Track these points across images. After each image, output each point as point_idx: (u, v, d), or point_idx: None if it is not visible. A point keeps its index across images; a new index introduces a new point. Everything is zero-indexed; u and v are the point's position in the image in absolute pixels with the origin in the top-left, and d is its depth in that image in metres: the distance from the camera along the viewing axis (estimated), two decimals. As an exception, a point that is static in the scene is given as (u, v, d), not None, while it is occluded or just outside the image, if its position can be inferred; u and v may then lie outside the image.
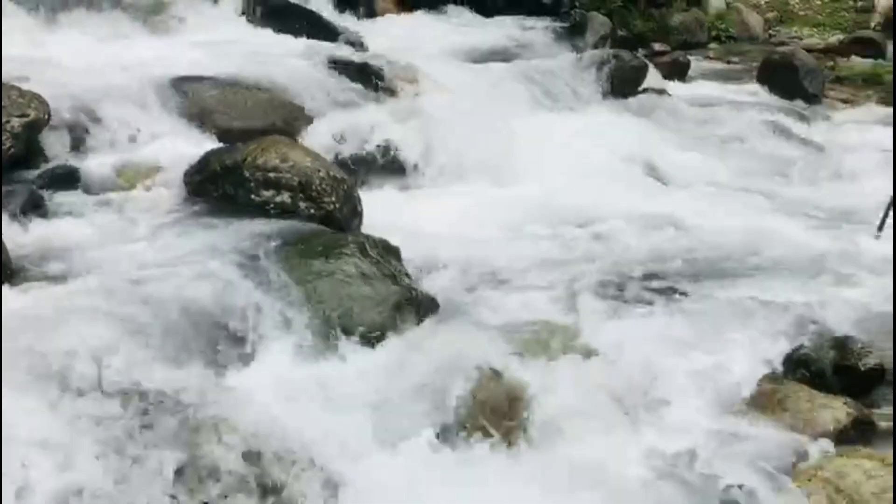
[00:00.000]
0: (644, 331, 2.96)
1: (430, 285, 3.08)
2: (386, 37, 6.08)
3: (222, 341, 2.37)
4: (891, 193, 3.94)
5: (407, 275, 2.95)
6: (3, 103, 3.21)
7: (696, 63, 7.37)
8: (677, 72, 6.73)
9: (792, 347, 2.77)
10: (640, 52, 6.94)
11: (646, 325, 3.01)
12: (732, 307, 3.15)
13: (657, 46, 7.43)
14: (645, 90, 6.02)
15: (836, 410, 2.38)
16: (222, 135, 3.76)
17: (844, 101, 6.49)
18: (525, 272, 3.31)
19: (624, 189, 4.19)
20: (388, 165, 4.05)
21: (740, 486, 2.06)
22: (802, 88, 6.46)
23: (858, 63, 7.58)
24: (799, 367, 2.66)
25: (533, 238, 3.65)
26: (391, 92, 4.43)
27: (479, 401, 2.27)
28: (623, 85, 5.94)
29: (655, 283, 3.29)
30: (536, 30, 6.89)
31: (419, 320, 2.75)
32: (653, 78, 6.28)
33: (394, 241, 3.06)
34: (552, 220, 3.75)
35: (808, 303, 3.23)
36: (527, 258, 3.44)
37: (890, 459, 2.27)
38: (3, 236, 2.64)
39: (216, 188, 3.24)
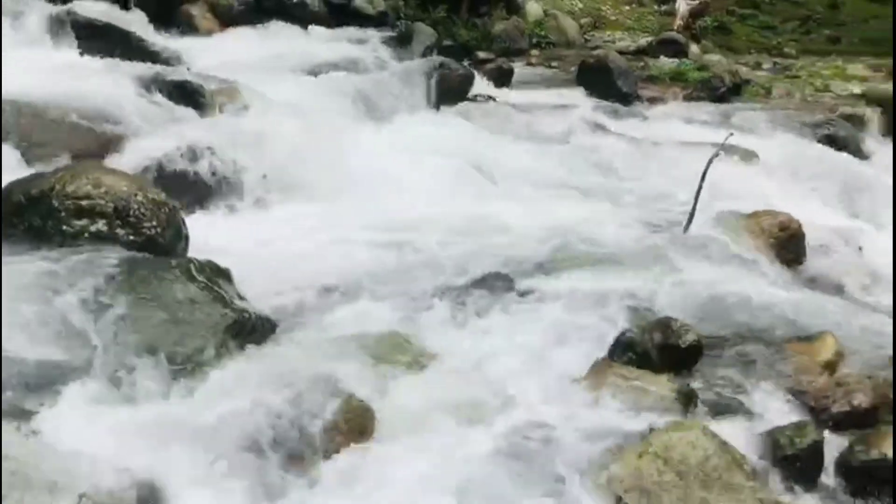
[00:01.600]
0: (482, 331, 3.01)
1: (266, 306, 2.99)
2: (208, 54, 5.91)
3: (33, 381, 2.19)
4: (700, 181, 4.25)
5: (239, 296, 2.85)
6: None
7: (520, 69, 7.66)
8: (502, 78, 6.95)
9: (619, 332, 2.90)
10: (466, 61, 7.13)
11: (483, 325, 3.06)
12: (564, 300, 3.26)
13: (481, 55, 7.65)
14: (473, 98, 6.20)
15: (660, 387, 2.52)
16: (27, 162, 3.49)
17: (655, 99, 6.94)
18: (362, 285, 3.29)
19: (456, 195, 4.27)
20: (216, 185, 3.91)
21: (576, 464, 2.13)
22: (617, 88, 6.86)
23: (666, 63, 8.15)
24: (626, 350, 2.79)
25: (368, 250, 3.64)
26: (213, 109, 4.29)
27: (319, 420, 2.22)
28: (451, 93, 6.09)
29: (490, 284, 3.35)
30: (363, 42, 6.92)
31: (255, 342, 2.67)
32: (479, 85, 6.48)
33: (225, 263, 2.95)
34: (386, 231, 3.75)
35: (632, 290, 3.40)
36: (363, 271, 3.41)
37: (712, 428, 2.44)
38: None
39: (21, 221, 2.99)
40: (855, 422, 2.60)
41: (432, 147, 4.92)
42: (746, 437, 2.46)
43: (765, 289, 3.52)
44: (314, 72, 5.80)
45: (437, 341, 2.87)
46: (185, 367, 2.37)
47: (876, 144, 6.17)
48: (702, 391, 2.70)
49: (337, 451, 2.20)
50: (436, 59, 6.50)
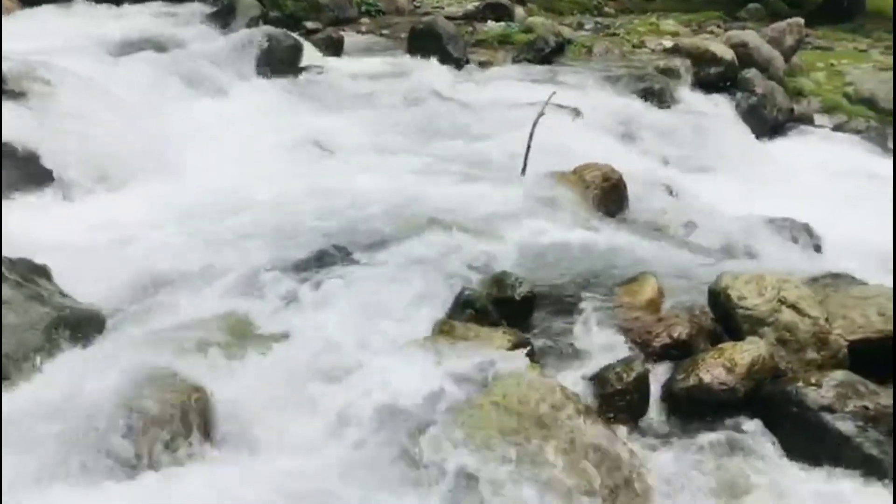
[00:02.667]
0: (324, 303, 3.00)
1: (93, 300, 2.84)
2: (9, 36, 5.43)
3: None
4: (528, 139, 4.41)
5: (61, 293, 2.69)
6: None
7: (351, 38, 7.57)
8: (333, 48, 6.86)
9: (458, 291, 2.98)
10: (295, 32, 6.96)
11: (325, 296, 3.05)
12: (406, 264, 3.31)
13: (310, 24, 7.50)
14: (303, 68, 6.08)
15: (498, 339, 2.62)
16: None
17: (485, 62, 7.08)
18: (195, 269, 3.18)
19: (289, 167, 4.20)
20: (27, 176, 3.64)
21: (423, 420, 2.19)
22: (448, 53, 6.93)
23: (493, 27, 8.31)
24: (466, 307, 2.88)
25: (201, 231, 3.52)
26: (18, 95, 3.97)
27: (152, 416, 2.15)
28: (280, 64, 5.94)
29: (331, 255, 3.34)
30: (181, 16, 6.61)
31: (82, 339, 2.54)
32: (309, 55, 6.36)
33: (42, 259, 2.77)
34: (219, 209, 3.65)
35: (472, 248, 3.50)
36: (197, 253, 3.31)
37: (547, 372, 2.58)
38: None
39: None
40: (676, 353, 2.81)
41: (264, 119, 4.81)
42: (579, 378, 2.63)
43: (592, 237, 3.73)
44: (130, 49, 5.49)
45: (278, 318, 2.84)
46: (6, 370, 2.22)
47: (688, 94, 6.60)
48: (537, 339, 2.84)
49: (169, 446, 2.13)
50: (262, 29, 6.31)
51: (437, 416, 2.30)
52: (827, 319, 2.78)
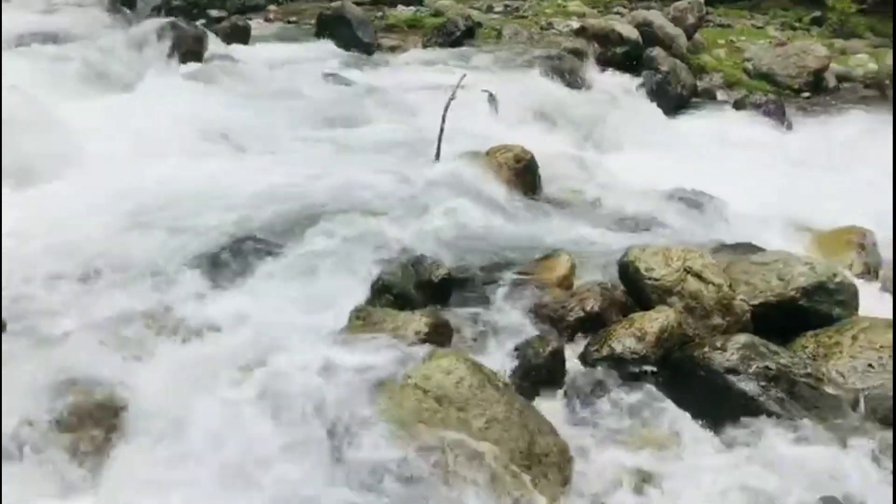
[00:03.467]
0: (239, 296, 2.97)
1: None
2: None
3: None
4: (441, 123, 4.43)
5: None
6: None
7: (259, 26, 7.45)
8: (239, 36, 6.73)
9: (375, 278, 2.98)
10: (199, 21, 6.80)
11: (240, 290, 3.02)
12: (320, 254, 3.29)
13: (214, 13, 7.34)
14: (208, 59, 5.94)
15: (416, 322, 2.64)
16: None
17: (396, 47, 7.07)
18: (109, 268, 3.09)
19: (198, 159, 4.11)
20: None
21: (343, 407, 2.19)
22: (357, 39, 6.89)
23: (403, 11, 8.29)
24: (383, 293, 2.89)
25: (112, 229, 3.41)
26: None
27: (63, 419, 2.09)
28: (185, 55, 5.80)
29: (244, 248, 3.29)
30: (81, 8, 6.35)
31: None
32: (214, 45, 6.21)
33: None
34: (122, 206, 3.53)
35: (388, 233, 3.50)
36: (110, 253, 3.20)
37: (466, 353, 2.61)
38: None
39: None
40: (590, 325, 2.88)
41: (171, 111, 4.67)
42: (498, 356, 2.67)
43: (506, 218, 3.78)
44: (27, 42, 5.25)
45: (190, 312, 2.78)
46: None
47: (596, 74, 6.73)
48: (456, 320, 2.86)
49: (76, 450, 2.08)
50: (164, 20, 6.13)
51: (355, 403, 2.30)
52: (730, 286, 2.89)
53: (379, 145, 4.78)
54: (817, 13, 11.36)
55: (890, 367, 2.51)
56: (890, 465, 2.14)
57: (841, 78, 8.27)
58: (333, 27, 6.95)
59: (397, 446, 2.14)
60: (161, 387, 2.35)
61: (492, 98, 5.38)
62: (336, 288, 3.03)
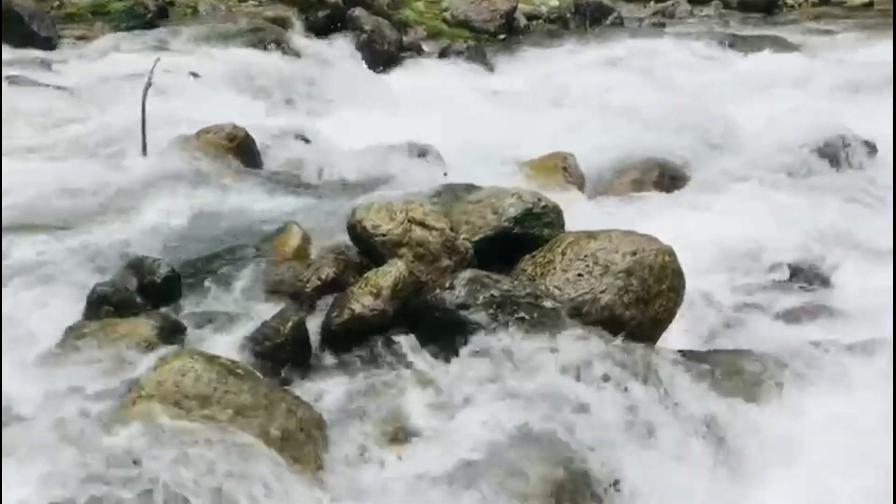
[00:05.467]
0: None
1: None
2: None
3: None
4: (142, 112, 4.16)
5: None
6: None
7: None
8: None
9: (91, 288, 2.75)
10: None
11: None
12: (24, 272, 2.97)
13: None
14: None
15: (144, 329, 2.48)
16: None
17: (81, 38, 6.48)
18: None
19: None
20: None
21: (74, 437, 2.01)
22: (35, 34, 6.23)
23: (84, -2, 7.60)
24: (101, 304, 2.67)
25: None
26: None
27: None
28: None
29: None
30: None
31: None
32: None
33: None
34: None
35: (100, 240, 3.25)
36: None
37: (204, 347, 2.51)
38: None
39: None
40: (329, 292, 2.88)
41: None
42: (238, 343, 2.60)
43: (230, 200, 3.66)
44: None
45: None
46: None
47: (303, 41, 6.67)
48: (191, 317, 2.74)
49: None
50: None
51: (86, 427, 2.12)
52: (452, 228, 3.03)
53: (78, 148, 4.39)
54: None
55: (596, 273, 2.79)
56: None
57: (530, 17, 8.93)
58: (5, 25, 6.19)
59: (144, 459, 2.01)
60: None
61: (195, 77, 5.15)
62: (45, 309, 2.75)
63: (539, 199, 3.12)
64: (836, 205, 4.01)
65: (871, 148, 4.69)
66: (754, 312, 3.12)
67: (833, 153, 4.64)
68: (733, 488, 2.02)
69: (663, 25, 9.11)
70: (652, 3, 10.53)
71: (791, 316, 3.09)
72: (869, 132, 4.77)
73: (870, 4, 10.46)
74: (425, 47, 7.57)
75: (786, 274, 3.36)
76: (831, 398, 2.26)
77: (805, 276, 3.38)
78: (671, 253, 2.83)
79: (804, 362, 2.43)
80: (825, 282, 3.34)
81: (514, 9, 8.48)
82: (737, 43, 8.08)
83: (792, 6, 10.50)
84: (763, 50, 7.78)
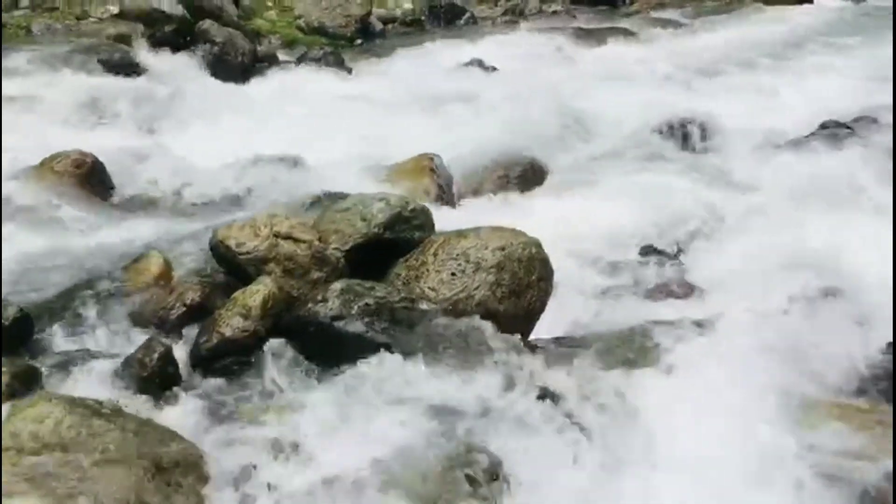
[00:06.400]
0: None
1: None
2: None
3: None
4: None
5: None
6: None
7: None
8: None
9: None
10: None
11: None
12: None
13: None
14: None
15: (-8, 378, 2.30)
16: None
17: None
18: None
19: None
20: None
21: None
22: None
23: None
24: (-57, 357, 2.45)
25: None
26: None
27: None
28: None
29: None
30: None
31: None
32: None
33: None
34: None
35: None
36: None
37: (63, 390, 2.36)
38: None
39: None
40: (196, 317, 2.77)
41: None
42: (103, 380, 2.45)
43: (81, 231, 3.46)
44: None
45: None
46: None
47: (151, 58, 6.39)
48: (46, 358, 2.57)
49: None
50: None
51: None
52: (321, 239, 2.98)
53: None
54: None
55: (469, 271, 2.81)
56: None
57: (385, 20, 8.95)
58: None
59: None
60: None
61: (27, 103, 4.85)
62: None
63: (407, 203, 3.11)
64: (684, 184, 4.24)
65: (711, 128, 5.00)
66: (619, 294, 3.24)
67: (678, 135, 4.91)
68: (610, 468, 2.08)
69: (516, 23, 9.35)
70: (502, 1, 10.79)
71: (651, 294, 3.23)
72: (708, 113, 5.07)
73: (705, -9, 11.12)
74: (282, 56, 7.43)
75: (645, 254, 3.52)
76: (690, 373, 2.37)
77: (662, 254, 3.55)
78: (538, 245, 2.90)
79: (665, 338, 2.54)
80: (679, 259, 3.51)
81: (369, 13, 8.47)
82: (586, 36, 8.41)
83: (634, -1, 11.02)
84: (609, 42, 8.13)
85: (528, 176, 4.71)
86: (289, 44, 7.86)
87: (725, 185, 4.36)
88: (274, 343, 2.57)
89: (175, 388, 2.46)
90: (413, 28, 8.95)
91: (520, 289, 2.81)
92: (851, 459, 2.14)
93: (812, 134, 4.92)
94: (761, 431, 2.14)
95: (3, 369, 2.35)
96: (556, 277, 2.94)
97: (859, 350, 2.67)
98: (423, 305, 2.64)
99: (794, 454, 2.09)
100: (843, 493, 2.03)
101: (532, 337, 2.79)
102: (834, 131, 4.90)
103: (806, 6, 10.76)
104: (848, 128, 5.02)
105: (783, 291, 2.87)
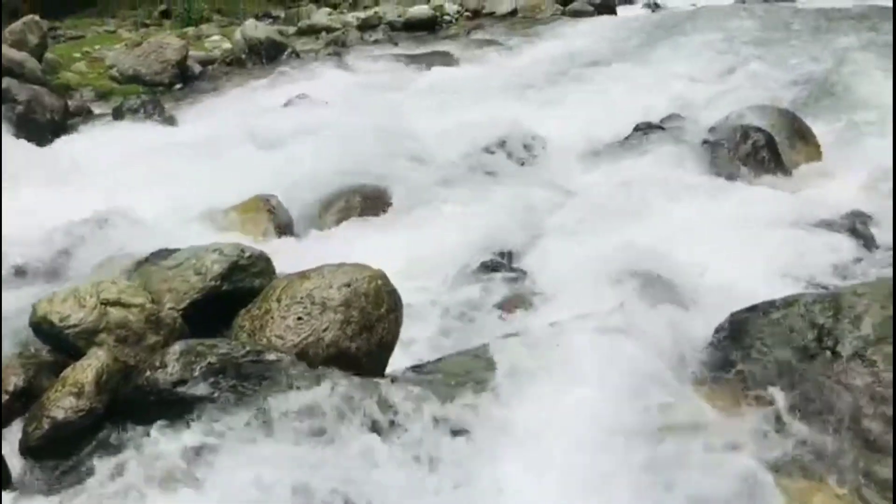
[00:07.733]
0: None
1: None
2: None
3: None
4: None
5: None
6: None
7: None
8: None
9: None
10: None
11: None
12: None
13: None
14: None
15: None
16: None
17: None
18: None
19: None
20: None
21: None
22: None
23: None
24: None
25: None
26: None
27: None
28: None
29: None
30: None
31: None
32: None
33: None
34: None
35: None
36: None
37: None
38: None
39: None
40: (24, 404, 2.53)
41: None
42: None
43: None
44: None
45: None
46: None
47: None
48: None
49: None
50: None
51: None
52: (154, 300, 2.81)
53: None
54: (164, 7, 11.68)
55: (315, 312, 2.73)
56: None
57: (204, 62, 8.69)
58: None
59: None
60: None
61: None
62: None
63: (243, 251, 3.00)
64: (517, 198, 4.36)
65: (538, 141, 5.20)
66: (469, 313, 3.26)
67: (508, 151, 5.06)
68: (476, 483, 2.08)
69: (339, 55, 9.34)
70: (323, 33, 10.77)
71: (501, 307, 3.28)
72: (534, 127, 5.27)
73: (514, 12, 11.62)
74: (96, 109, 7.04)
75: (488, 270, 3.57)
76: (550, 381, 2.42)
77: (507, 267, 3.62)
78: (383, 276, 2.86)
79: (516, 350, 2.57)
80: (523, 270, 3.60)
81: (185, 57, 8.19)
82: (411, 62, 8.53)
83: (450, 21, 11.32)
84: (435, 66, 8.30)
85: (369, 205, 4.69)
86: (103, 95, 7.46)
87: (555, 193, 4.53)
88: (115, 417, 2.38)
89: (3, 490, 2.22)
90: (234, 67, 8.75)
91: (370, 323, 2.76)
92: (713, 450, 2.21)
93: (627, 137, 5.24)
94: (615, 439, 2.20)
95: None
96: (406, 306, 2.92)
97: (699, 333, 2.79)
98: (271, 356, 2.54)
99: (648, 458, 2.16)
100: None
101: (388, 370, 2.74)
102: (646, 132, 5.23)
103: (608, 16, 11.49)
104: (660, 127, 5.38)
105: (617, 290, 2.99)
